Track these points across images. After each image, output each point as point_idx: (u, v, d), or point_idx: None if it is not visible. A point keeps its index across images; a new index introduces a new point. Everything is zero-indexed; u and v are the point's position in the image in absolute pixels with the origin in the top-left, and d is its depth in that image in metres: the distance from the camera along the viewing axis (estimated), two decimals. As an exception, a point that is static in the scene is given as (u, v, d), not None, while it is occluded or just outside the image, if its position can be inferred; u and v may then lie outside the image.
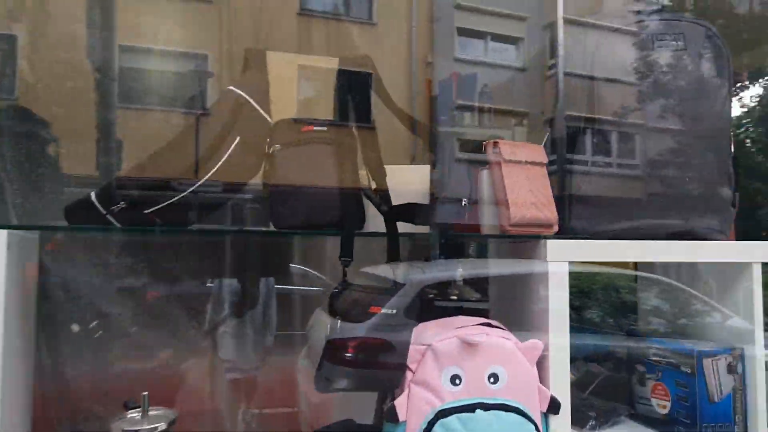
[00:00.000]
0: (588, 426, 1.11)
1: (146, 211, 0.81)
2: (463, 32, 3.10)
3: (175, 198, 0.81)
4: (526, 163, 1.03)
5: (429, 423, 0.90)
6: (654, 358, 1.11)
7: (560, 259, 0.97)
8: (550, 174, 1.06)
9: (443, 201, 0.98)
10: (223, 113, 0.86)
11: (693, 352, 1.01)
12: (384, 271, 1.86)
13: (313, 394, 1.19)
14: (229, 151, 0.84)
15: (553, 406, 0.95)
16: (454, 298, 1.73)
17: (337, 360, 1.00)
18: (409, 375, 0.95)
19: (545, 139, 1.15)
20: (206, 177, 0.82)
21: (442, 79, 2.56)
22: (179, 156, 0.88)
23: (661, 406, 1.09)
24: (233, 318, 1.44)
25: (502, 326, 1.04)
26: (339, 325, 0.99)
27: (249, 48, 0.93)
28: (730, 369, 1.01)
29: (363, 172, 0.97)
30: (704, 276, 1.22)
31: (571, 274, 0.98)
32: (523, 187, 1.01)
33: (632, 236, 1.00)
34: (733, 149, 1.07)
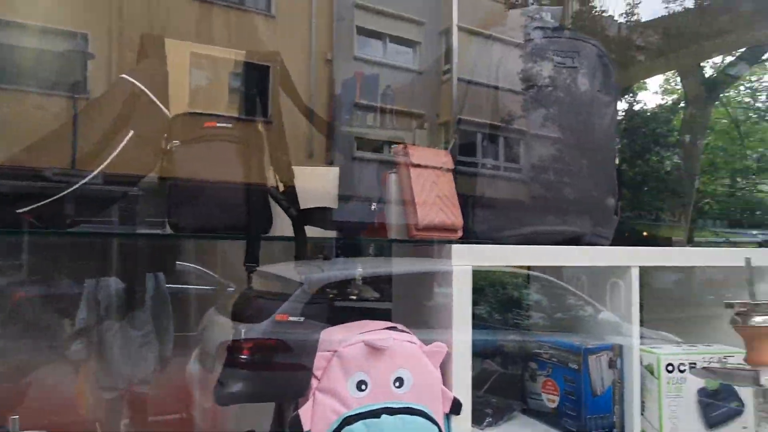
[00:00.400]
0: (485, 423, 1.15)
1: (19, 211, 0.71)
2: (363, 32, 3.11)
3: (58, 194, 0.71)
4: (434, 168, 1.04)
5: (334, 431, 0.88)
6: (545, 356, 1.18)
7: (465, 263, 0.99)
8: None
9: (352, 204, 0.96)
10: (115, 104, 0.77)
11: (580, 349, 1.09)
12: (282, 270, 1.81)
13: (207, 400, 1.12)
14: (122, 145, 0.76)
15: (455, 407, 0.97)
16: (353, 297, 1.73)
17: (239, 364, 0.96)
18: (314, 383, 0.92)
19: (452, 144, 1.17)
20: (95, 172, 0.74)
21: (346, 78, 2.54)
22: (60, 148, 0.79)
23: (551, 400, 1.16)
24: (114, 320, 1.32)
25: (406, 330, 1.04)
26: (242, 329, 0.94)
27: (146, 33, 0.85)
28: (611, 364, 1.10)
29: (270, 173, 0.93)
30: (580, 275, 1.31)
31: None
32: (431, 191, 1.02)
33: (530, 241, 1.05)
34: (617, 162, 1.16)
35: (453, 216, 1.03)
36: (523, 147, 1.08)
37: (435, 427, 0.93)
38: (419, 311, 1.12)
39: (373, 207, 0.94)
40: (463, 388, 0.99)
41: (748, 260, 0.91)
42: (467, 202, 1.07)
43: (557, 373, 1.15)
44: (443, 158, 1.06)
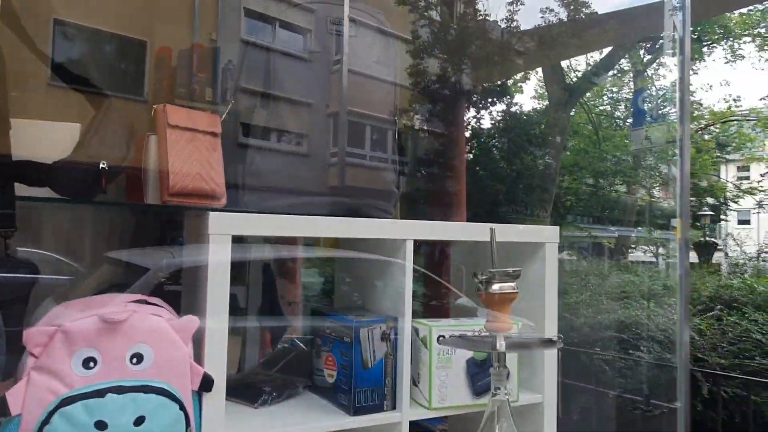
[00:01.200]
0: (259, 401, 1.11)
1: None
2: (251, 14, 2.99)
3: None
4: (197, 131, 0.97)
5: (48, 414, 0.79)
6: (327, 331, 1.17)
7: (223, 232, 0.94)
8: (331, 165, 1.03)
9: (75, 163, 0.87)
10: None
11: (351, 322, 1.08)
12: (132, 256, 1.67)
13: None
14: None
15: (205, 384, 0.92)
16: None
17: None
18: (30, 361, 0.82)
19: (226, 111, 1.11)
20: None
21: (182, 49, 2.39)
22: None
23: (330, 375, 1.15)
24: None
25: (161, 303, 0.97)
26: None
27: None
28: (384, 337, 1.11)
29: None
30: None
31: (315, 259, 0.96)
32: (190, 155, 0.95)
33: (304, 212, 1.02)
34: (398, 136, 1.16)
35: (214, 183, 0.97)
36: (291, 115, 1.05)
37: (175, 405, 0.87)
38: (195, 285, 1.06)
39: (101, 165, 0.85)
40: (216, 364, 0.94)
41: (492, 230, 0.95)
42: (237, 171, 1.01)
43: (336, 348, 1.13)
44: (209, 121, 1.00)
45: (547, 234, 1.27)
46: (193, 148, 0.95)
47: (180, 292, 1.72)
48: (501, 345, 0.90)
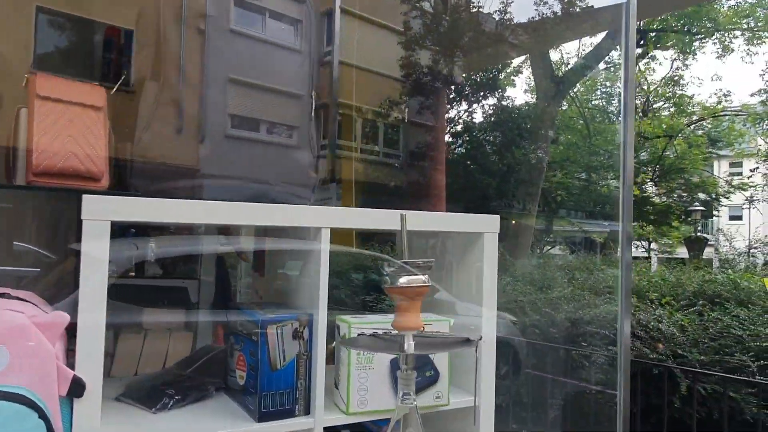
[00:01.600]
0: (158, 405, 1.00)
1: None
2: (241, 4, 2.90)
3: None
4: (73, 103, 0.86)
5: None
6: (240, 329, 1.06)
7: (99, 218, 0.83)
8: (321, 156, 0.92)
9: None
10: None
11: (258, 319, 0.97)
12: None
13: None
14: None
15: (75, 388, 0.82)
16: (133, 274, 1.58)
17: None
18: None
19: (117, 85, 1.00)
20: None
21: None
22: None
23: (240, 377, 1.05)
24: None
25: (29, 297, 0.87)
26: None
27: None
28: (296, 334, 1.00)
29: None
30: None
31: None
32: (62, 131, 0.84)
33: (201, 196, 0.91)
34: (313, 112, 1.05)
35: (91, 162, 0.86)
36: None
37: (34, 413, 0.76)
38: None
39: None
40: (91, 365, 0.83)
41: (402, 216, 0.85)
42: (126, 150, 0.90)
43: (246, 347, 1.03)
44: (90, 94, 0.89)
45: (487, 223, 1.16)
46: (66, 123, 0.84)
47: (148, 286, 1.63)
48: (409, 346, 0.80)
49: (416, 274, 0.81)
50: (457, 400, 1.13)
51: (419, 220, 1.11)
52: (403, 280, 0.80)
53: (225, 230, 1.66)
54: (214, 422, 0.97)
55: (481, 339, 0.84)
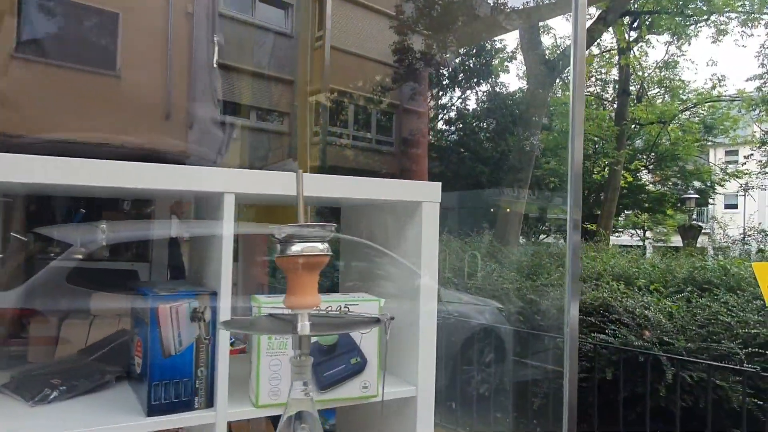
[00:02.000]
0: (38, 397, 0.87)
1: None
2: None
3: None
4: None
5: None
6: (140, 312, 0.93)
7: (-63, 176, 0.70)
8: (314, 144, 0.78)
9: None
10: None
11: (147, 297, 0.84)
12: (59, 232, 1.46)
13: None
14: None
15: None
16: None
17: None
18: None
19: None
20: None
21: None
22: None
23: (138, 364, 0.92)
24: None
25: None
26: None
27: None
28: (196, 316, 0.87)
29: None
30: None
31: None
32: None
33: (68, 152, 0.78)
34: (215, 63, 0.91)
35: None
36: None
37: None
38: None
39: None
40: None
41: (298, 173, 0.71)
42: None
43: (142, 330, 0.90)
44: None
45: (426, 191, 1.03)
46: None
47: (95, 270, 1.52)
48: (303, 326, 0.66)
49: (311, 242, 0.67)
50: (393, 390, 1.00)
51: (347, 188, 0.97)
52: (295, 248, 0.67)
53: (177, 211, 1.53)
54: (100, 416, 0.84)
55: (392, 318, 0.71)
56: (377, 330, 0.95)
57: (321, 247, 0.68)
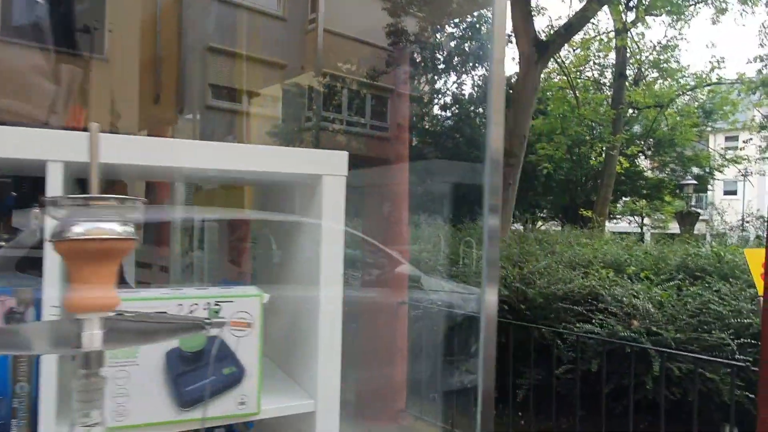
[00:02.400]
0: None
1: None
2: None
3: None
4: None
5: None
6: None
7: None
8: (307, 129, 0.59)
9: None
10: None
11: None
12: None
13: None
14: None
15: None
16: None
17: None
18: None
19: None
20: None
21: None
22: None
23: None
24: None
25: None
26: None
27: None
28: (10, 317, 0.69)
29: None
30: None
31: None
32: None
33: None
34: None
35: None
36: None
37: None
38: None
39: None
40: None
41: (92, 127, 0.53)
42: None
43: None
44: None
45: (327, 163, 0.84)
46: None
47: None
48: (92, 336, 0.48)
49: (102, 220, 0.49)
50: (284, 405, 0.82)
51: (225, 156, 0.79)
52: (77, 230, 0.48)
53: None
54: None
55: (225, 322, 0.53)
56: (258, 332, 0.77)
57: (119, 229, 0.49)
